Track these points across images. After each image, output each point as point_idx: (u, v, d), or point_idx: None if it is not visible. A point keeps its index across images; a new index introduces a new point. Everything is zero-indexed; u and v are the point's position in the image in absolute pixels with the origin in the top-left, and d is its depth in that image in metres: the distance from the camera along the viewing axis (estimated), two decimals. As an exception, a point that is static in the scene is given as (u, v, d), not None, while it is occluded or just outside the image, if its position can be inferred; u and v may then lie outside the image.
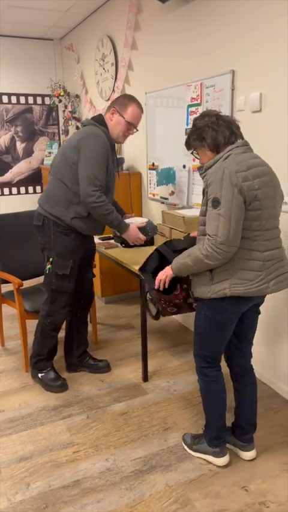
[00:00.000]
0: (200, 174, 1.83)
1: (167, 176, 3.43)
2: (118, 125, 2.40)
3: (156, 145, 3.58)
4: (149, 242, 2.79)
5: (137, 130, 2.51)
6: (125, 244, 3.13)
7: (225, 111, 2.67)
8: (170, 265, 1.90)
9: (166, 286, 1.95)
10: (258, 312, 1.98)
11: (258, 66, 2.40)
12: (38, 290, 3.08)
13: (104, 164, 2.31)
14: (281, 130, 2.33)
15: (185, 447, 2.14)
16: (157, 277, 1.95)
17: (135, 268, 2.57)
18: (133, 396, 2.58)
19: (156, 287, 1.97)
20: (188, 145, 1.88)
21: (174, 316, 3.69)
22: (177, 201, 3.33)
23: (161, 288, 1.97)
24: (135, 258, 2.75)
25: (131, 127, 2.43)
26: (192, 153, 1.90)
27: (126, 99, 2.43)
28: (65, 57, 5.53)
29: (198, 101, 2.93)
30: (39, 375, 2.68)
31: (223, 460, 2.02)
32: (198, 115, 1.88)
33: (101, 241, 3.28)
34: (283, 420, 2.35)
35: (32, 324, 3.50)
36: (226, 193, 1.64)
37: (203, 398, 2.03)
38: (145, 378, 2.74)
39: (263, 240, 1.73)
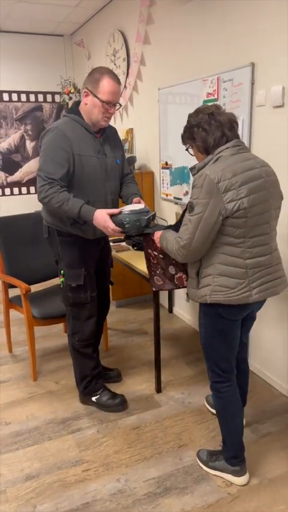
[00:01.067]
0: (193, 175, 1.76)
1: (181, 176, 3.29)
2: (94, 108, 2.06)
3: (169, 143, 3.43)
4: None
5: (121, 106, 2.12)
6: (137, 247, 3.00)
7: (244, 106, 2.52)
8: (161, 234, 1.93)
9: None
10: (254, 318, 1.96)
11: (281, 58, 2.23)
12: (47, 295, 2.96)
13: (56, 155, 2.01)
14: (305, 127, 2.17)
15: (200, 464, 2.02)
16: (156, 234, 2.01)
17: (142, 269, 2.45)
18: (145, 409, 2.45)
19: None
20: (183, 140, 1.83)
21: (187, 321, 3.55)
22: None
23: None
24: (143, 260, 2.60)
25: (109, 106, 2.06)
26: (187, 150, 1.84)
27: (97, 73, 2.05)
28: (75, 54, 5.40)
29: (215, 97, 2.77)
30: (93, 398, 2.45)
31: (243, 479, 1.91)
32: (193, 111, 1.79)
33: (111, 244, 3.14)
34: (307, 438, 2.19)
35: (39, 330, 3.38)
36: (201, 202, 1.60)
37: (218, 415, 1.94)
38: (158, 389, 2.59)
39: (247, 247, 1.66)
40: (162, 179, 3.59)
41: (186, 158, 3.21)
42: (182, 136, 1.82)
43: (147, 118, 3.75)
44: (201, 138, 1.71)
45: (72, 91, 5.07)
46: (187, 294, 1.91)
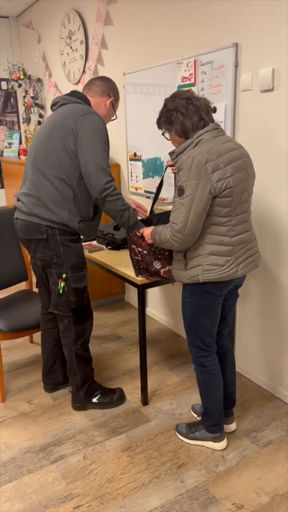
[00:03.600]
0: (172, 160, 1.80)
1: (153, 168, 3.06)
2: (108, 116, 2.15)
3: (137, 133, 3.18)
4: None
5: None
6: (111, 246, 2.74)
7: (226, 91, 2.33)
8: (152, 230, 1.87)
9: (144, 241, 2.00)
10: (237, 295, 2.01)
11: (269, 37, 2.06)
12: (12, 303, 2.62)
13: (107, 148, 1.95)
14: (298, 112, 2.02)
15: (180, 437, 2.10)
16: (145, 231, 1.95)
17: (124, 271, 2.25)
18: (134, 425, 2.21)
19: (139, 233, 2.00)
20: (159, 125, 1.85)
21: (162, 322, 3.35)
22: (165, 195, 2.97)
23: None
24: (120, 261, 2.37)
25: (113, 120, 2.23)
26: (163, 134, 1.86)
27: (117, 93, 2.17)
28: (22, 37, 4.98)
29: (192, 81, 2.56)
30: (94, 399, 2.33)
31: (222, 444, 2.03)
32: (169, 95, 1.82)
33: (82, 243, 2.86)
34: (309, 444, 2.07)
35: (2, 342, 3.02)
36: (191, 183, 1.63)
37: (201, 388, 1.99)
38: (145, 401, 2.37)
39: (232, 225, 1.73)
40: (131, 172, 3.34)
41: (157, 149, 3.00)
42: (158, 121, 1.84)
43: (111, 106, 3.47)
44: (180, 122, 1.73)
45: (21, 77, 4.67)
46: (172, 277, 1.97)
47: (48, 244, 1.98)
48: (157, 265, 2.04)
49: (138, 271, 2.13)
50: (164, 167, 2.34)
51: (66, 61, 4.03)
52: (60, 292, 2.05)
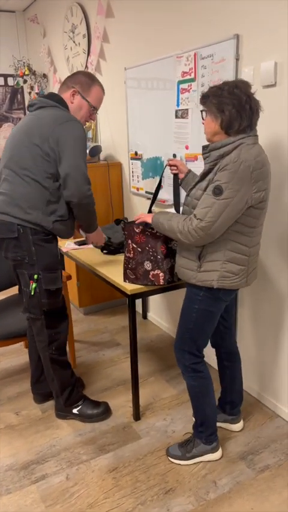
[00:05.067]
0: (203, 153, 1.68)
1: (153, 168, 2.91)
2: (80, 110, 2.03)
3: (139, 130, 3.04)
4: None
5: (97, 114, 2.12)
6: (107, 250, 2.62)
7: (227, 87, 2.16)
8: (152, 214, 1.83)
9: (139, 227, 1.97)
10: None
11: (272, 29, 1.89)
12: (4, 308, 2.53)
13: (85, 154, 1.92)
14: (303, 109, 1.84)
15: (176, 461, 1.96)
16: (139, 216, 1.91)
17: (114, 279, 2.14)
18: (123, 443, 2.09)
19: (134, 219, 1.95)
20: (204, 102, 1.65)
21: (164, 329, 3.21)
22: (166, 196, 2.82)
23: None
24: (114, 266, 2.23)
25: (94, 111, 2.07)
26: (201, 111, 1.69)
27: (89, 78, 2.03)
28: (28, 31, 4.88)
29: (192, 76, 2.40)
30: (74, 410, 2.24)
31: (219, 453, 1.97)
32: (232, 80, 1.64)
33: (77, 247, 2.75)
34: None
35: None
36: (233, 187, 1.54)
37: (195, 397, 1.91)
38: (137, 416, 2.24)
39: (253, 236, 1.70)
40: (132, 172, 3.20)
41: (159, 148, 2.85)
42: (205, 97, 1.64)
43: (113, 102, 3.33)
44: (230, 117, 1.58)
45: (26, 73, 4.57)
46: (175, 273, 1.92)
47: (20, 243, 1.92)
48: (148, 266, 1.98)
49: (125, 272, 2.06)
50: (164, 166, 2.20)
51: (69, 56, 3.91)
52: (32, 293, 1.98)
